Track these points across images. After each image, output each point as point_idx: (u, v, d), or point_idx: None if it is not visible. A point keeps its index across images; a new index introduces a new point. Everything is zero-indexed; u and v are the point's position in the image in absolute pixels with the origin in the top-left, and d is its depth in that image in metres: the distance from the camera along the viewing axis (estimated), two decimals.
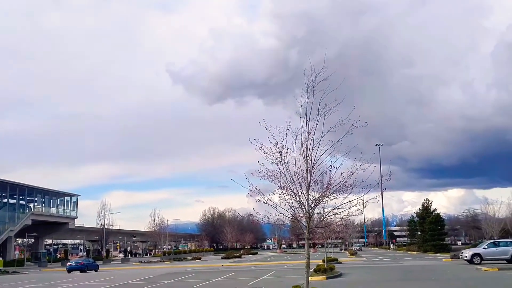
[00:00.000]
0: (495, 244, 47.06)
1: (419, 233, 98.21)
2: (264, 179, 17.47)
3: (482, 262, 44.85)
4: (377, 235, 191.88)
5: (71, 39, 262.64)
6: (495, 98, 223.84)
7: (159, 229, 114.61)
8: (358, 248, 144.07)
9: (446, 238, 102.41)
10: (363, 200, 18.11)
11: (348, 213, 18.31)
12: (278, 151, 17.24)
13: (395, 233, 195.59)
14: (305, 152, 17.40)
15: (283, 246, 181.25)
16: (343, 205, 17.86)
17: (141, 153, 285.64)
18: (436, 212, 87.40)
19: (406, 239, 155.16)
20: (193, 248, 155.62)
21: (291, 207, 17.39)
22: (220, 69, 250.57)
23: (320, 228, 27.94)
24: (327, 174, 17.71)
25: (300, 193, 17.25)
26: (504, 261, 44.30)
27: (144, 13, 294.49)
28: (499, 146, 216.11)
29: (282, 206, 17.36)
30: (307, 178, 17.22)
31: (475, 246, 65.51)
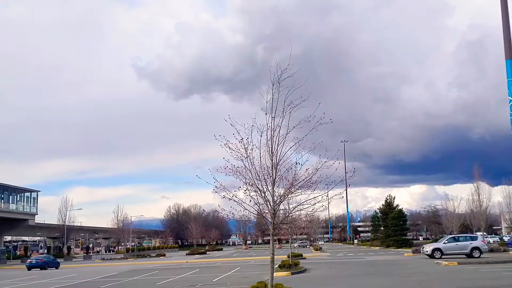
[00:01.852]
0: (455, 239, 48.58)
1: (382, 228, 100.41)
2: (229, 175, 17.49)
3: (443, 256, 46.24)
4: (342, 230, 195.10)
5: (34, 31, 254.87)
6: (456, 96, 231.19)
7: (122, 225, 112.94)
8: (322, 244, 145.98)
9: (408, 233, 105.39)
10: (327, 196, 18.37)
11: (313, 209, 18.49)
12: (243, 147, 17.24)
13: (359, 229, 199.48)
14: (270, 149, 17.44)
15: (249, 242, 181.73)
16: (308, 201, 18.01)
17: (105, 149, 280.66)
18: (398, 208, 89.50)
19: (369, 234, 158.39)
20: (158, 244, 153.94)
21: (256, 203, 17.47)
22: (187, 64, 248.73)
23: (285, 224, 28.14)
24: (292, 170, 17.86)
25: (265, 189, 17.33)
26: (464, 256, 45.82)
27: (109, 6, 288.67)
28: (459, 143, 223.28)
29: (248, 202, 17.44)
30: (273, 175, 17.31)
31: (435, 241, 67.55)
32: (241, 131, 17.29)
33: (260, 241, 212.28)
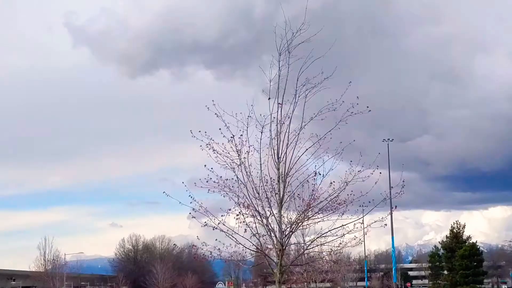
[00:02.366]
0: None
1: (445, 272, 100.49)
2: (214, 192, 17.49)
3: None
4: (384, 276, 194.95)
5: None
6: None
7: (52, 268, 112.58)
8: None
9: (485, 280, 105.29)
10: (363, 223, 18.35)
11: (341, 243, 18.49)
12: (235, 149, 17.30)
13: (411, 273, 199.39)
14: (276, 152, 17.50)
15: None
16: (333, 232, 18.04)
17: (23, 151, 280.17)
18: (470, 242, 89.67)
19: (426, 281, 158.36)
20: None
21: (254, 234, 17.46)
22: (147, 23, 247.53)
23: (299, 266, 28.11)
24: (309, 184, 17.87)
25: (268, 213, 17.37)
26: None
27: None
28: None
29: (242, 233, 17.42)
30: (279, 191, 17.35)
31: None
32: (231, 124, 17.37)
33: None
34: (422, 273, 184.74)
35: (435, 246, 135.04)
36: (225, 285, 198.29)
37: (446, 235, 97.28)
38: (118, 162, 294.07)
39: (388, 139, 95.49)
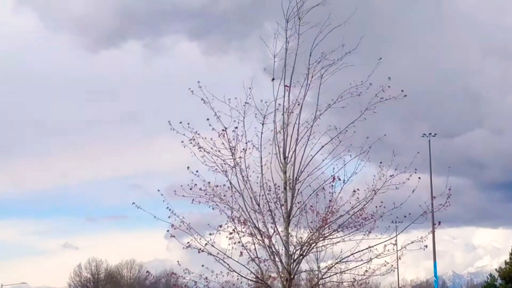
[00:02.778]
0: None
1: None
2: (199, 202, 17.66)
3: None
4: None
5: None
6: None
7: None
8: None
9: None
10: (396, 245, 18.48)
11: (367, 270, 18.67)
12: (227, 146, 17.47)
13: None
14: (282, 150, 17.69)
15: None
16: (356, 256, 18.23)
17: None
18: None
19: None
20: None
21: (253, 259, 17.60)
22: None
23: None
24: (325, 193, 18.08)
25: (271, 231, 17.51)
26: None
27: None
28: None
29: (236, 256, 17.52)
30: (286, 201, 17.53)
31: None
32: (223, 113, 17.55)
33: None
34: None
35: (490, 274, 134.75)
36: None
37: (505, 260, 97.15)
38: (73, 164, 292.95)
39: (430, 133, 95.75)
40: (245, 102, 17.41)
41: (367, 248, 18.05)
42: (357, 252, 18.18)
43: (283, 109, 17.64)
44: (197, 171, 17.48)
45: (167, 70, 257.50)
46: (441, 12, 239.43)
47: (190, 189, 17.48)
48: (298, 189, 17.69)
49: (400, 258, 19.15)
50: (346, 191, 18.00)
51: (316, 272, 20.71)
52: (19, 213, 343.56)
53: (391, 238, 18.20)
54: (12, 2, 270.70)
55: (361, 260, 18.26)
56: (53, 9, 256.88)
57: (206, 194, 17.52)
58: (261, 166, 17.63)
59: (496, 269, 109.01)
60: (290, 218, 17.61)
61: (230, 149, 17.44)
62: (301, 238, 17.90)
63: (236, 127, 17.44)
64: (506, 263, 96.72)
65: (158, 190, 17.73)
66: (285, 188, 17.55)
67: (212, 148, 17.48)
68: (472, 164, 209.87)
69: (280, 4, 17.73)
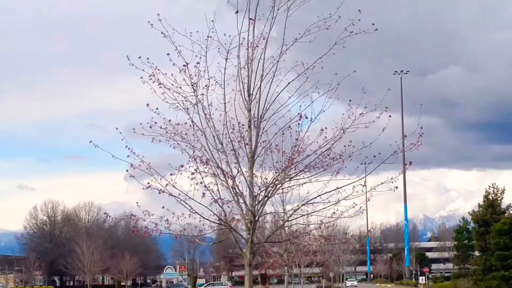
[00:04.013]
0: None
1: (476, 253, 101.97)
2: (160, 141, 17.61)
3: None
4: (393, 258, 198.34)
5: None
6: None
7: None
8: (354, 284, 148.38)
9: None
10: (365, 186, 18.49)
11: (335, 212, 18.79)
12: (189, 82, 17.37)
13: (430, 255, 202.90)
14: (246, 87, 17.62)
15: (201, 282, 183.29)
16: (323, 197, 18.28)
17: None
18: None
19: (450, 265, 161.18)
20: (12, 286, 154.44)
21: (216, 200, 17.63)
22: None
23: (277, 244, 28.31)
24: (291, 132, 18.12)
25: (235, 172, 17.55)
26: None
27: None
28: None
29: (198, 198, 17.54)
30: (250, 140, 17.54)
31: None
32: (184, 48, 17.36)
33: (224, 278, 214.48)
34: (445, 254, 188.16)
35: (463, 218, 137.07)
36: (175, 271, 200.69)
37: (479, 203, 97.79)
38: (26, 102, 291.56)
39: (402, 71, 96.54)
40: (208, 36, 17.24)
41: (334, 189, 18.11)
42: (325, 193, 18.26)
43: (248, 44, 17.51)
44: (157, 109, 17.40)
45: (125, 5, 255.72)
46: None
47: (150, 127, 17.42)
48: (263, 128, 17.67)
49: (369, 200, 19.15)
50: (313, 130, 18.04)
51: (282, 215, 20.70)
52: None
53: (360, 179, 18.26)
54: None
55: (329, 201, 18.34)
56: None
57: (166, 133, 17.46)
58: (225, 103, 17.57)
59: (469, 212, 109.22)
60: (255, 158, 17.62)
61: (192, 85, 17.31)
62: (266, 179, 17.92)
63: (198, 63, 17.30)
64: (479, 206, 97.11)
65: (117, 128, 17.66)
66: (249, 127, 17.51)
67: (172, 85, 17.35)
68: (446, 103, 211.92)
69: None
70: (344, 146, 17.78)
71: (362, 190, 18.34)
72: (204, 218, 18.02)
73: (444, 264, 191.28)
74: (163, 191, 17.38)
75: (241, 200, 17.60)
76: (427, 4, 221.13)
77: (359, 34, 17.26)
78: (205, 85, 17.41)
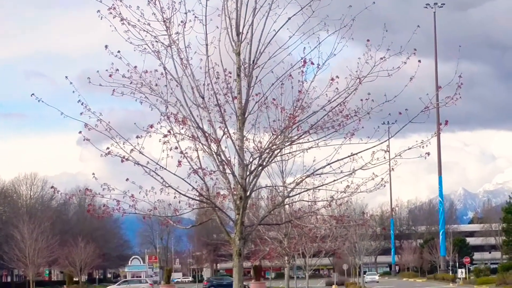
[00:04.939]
0: None
1: None
2: (123, 94, 17.62)
3: None
4: (425, 246, 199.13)
5: None
6: None
7: None
8: (374, 279, 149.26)
9: None
10: (388, 151, 18.58)
11: (349, 186, 18.95)
12: (160, 18, 17.40)
13: (471, 241, 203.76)
14: (234, 23, 17.67)
15: (177, 279, 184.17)
16: (334, 166, 18.39)
17: None
18: None
19: (498, 254, 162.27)
20: None
21: (195, 171, 17.73)
22: None
23: (275, 227, 28.47)
24: (292, 81, 18.14)
25: (220, 133, 17.66)
26: None
27: None
28: None
29: (173, 168, 17.71)
30: (240, 93, 17.60)
31: None
32: None
33: (207, 271, 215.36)
34: (491, 240, 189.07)
35: None
36: (143, 263, 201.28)
37: None
38: None
39: (435, 3, 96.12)
40: None
41: (349, 156, 18.20)
42: (336, 161, 18.32)
43: None
44: (118, 52, 17.29)
45: None
46: None
47: (110, 76, 17.33)
48: (257, 77, 17.69)
49: (393, 170, 19.24)
50: (321, 80, 18.06)
51: (281, 189, 20.78)
52: None
53: (382, 143, 18.33)
54: None
55: (341, 172, 18.43)
56: None
57: (131, 83, 17.44)
58: (206, 45, 17.57)
59: None
60: (246, 115, 17.65)
61: (164, 21, 17.30)
62: (260, 142, 17.98)
63: None
64: None
65: (67, 77, 17.60)
66: (238, 75, 17.51)
67: (139, 21, 17.31)
68: (493, 45, 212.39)
69: None
70: (361, 100, 17.80)
71: (384, 157, 18.43)
72: (180, 193, 18.06)
73: (490, 252, 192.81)
74: (127, 159, 17.43)
75: (228, 170, 17.67)
76: None
77: None
78: (181, 21, 17.38)
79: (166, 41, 17.33)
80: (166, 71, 17.35)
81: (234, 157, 17.67)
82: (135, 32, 17.33)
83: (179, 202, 18.49)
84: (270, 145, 17.87)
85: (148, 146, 17.55)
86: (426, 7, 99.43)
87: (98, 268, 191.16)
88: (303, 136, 18.07)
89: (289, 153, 19.12)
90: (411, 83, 17.92)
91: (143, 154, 17.41)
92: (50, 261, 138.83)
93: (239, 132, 17.55)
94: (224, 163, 17.57)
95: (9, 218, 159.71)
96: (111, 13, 17.18)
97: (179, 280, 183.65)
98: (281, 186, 21.02)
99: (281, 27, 17.71)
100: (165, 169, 17.49)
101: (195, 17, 17.42)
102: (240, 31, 17.53)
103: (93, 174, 18.37)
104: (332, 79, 17.80)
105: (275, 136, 17.87)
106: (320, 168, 18.51)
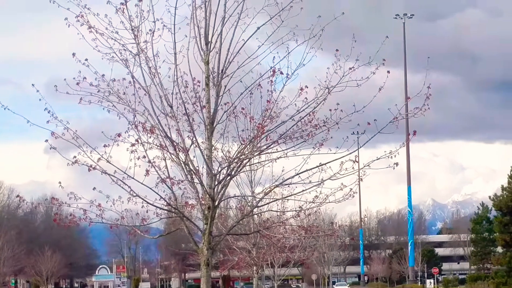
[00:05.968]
0: None
1: (498, 250, 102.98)
2: (90, 102, 17.61)
3: None
4: (394, 256, 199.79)
5: None
6: None
7: None
8: None
9: None
10: (357, 162, 18.60)
11: (317, 196, 18.90)
12: (128, 26, 17.43)
13: (439, 251, 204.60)
14: (203, 32, 17.69)
15: (145, 286, 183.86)
16: (303, 176, 18.43)
17: None
18: None
19: (466, 265, 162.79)
20: None
21: (163, 180, 17.70)
22: None
23: (244, 237, 28.42)
24: (262, 91, 18.18)
25: (188, 142, 17.70)
26: None
27: None
28: None
29: (140, 177, 17.68)
30: (209, 102, 17.63)
31: None
32: None
33: (175, 281, 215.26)
34: (460, 251, 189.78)
35: (482, 204, 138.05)
36: (111, 272, 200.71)
37: (502, 186, 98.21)
38: None
39: (405, 14, 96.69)
40: None
41: (317, 166, 18.19)
42: (305, 171, 18.34)
43: None
44: (86, 60, 17.26)
45: None
46: None
47: (77, 84, 17.30)
48: (225, 86, 17.72)
49: (362, 180, 19.30)
50: (290, 89, 18.05)
51: (250, 199, 20.77)
52: None
53: (351, 153, 18.35)
54: None
55: (310, 182, 18.42)
56: None
57: (99, 91, 17.42)
58: (175, 54, 17.57)
59: (490, 197, 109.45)
60: (214, 125, 17.67)
61: (132, 30, 17.30)
62: (229, 152, 17.99)
63: (140, 0, 17.20)
64: (503, 189, 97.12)
65: (33, 85, 17.54)
66: (207, 85, 17.54)
67: (107, 29, 17.32)
68: (462, 56, 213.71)
69: None
70: (330, 110, 17.81)
71: (353, 168, 18.44)
72: (148, 203, 18.07)
73: (458, 263, 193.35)
74: (94, 168, 17.39)
75: (196, 180, 17.65)
76: None
77: None
78: (150, 30, 17.40)
79: (134, 50, 17.35)
80: (134, 79, 17.35)
81: (203, 167, 17.68)
82: (103, 40, 17.33)
83: (147, 212, 18.52)
84: (239, 154, 17.89)
85: (116, 155, 17.52)
86: (395, 18, 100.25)
87: (65, 278, 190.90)
88: (272, 146, 18.07)
89: (258, 162, 19.22)
90: (380, 94, 17.97)
91: (110, 163, 17.39)
92: (16, 270, 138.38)
93: (207, 141, 17.58)
94: (192, 172, 17.55)
95: None
96: (78, 20, 17.17)
97: None
98: (249, 196, 21.03)
99: (250, 37, 17.76)
100: (132, 178, 17.45)
101: (164, 25, 17.45)
102: (209, 40, 17.57)
103: (60, 183, 18.32)
104: (301, 89, 17.84)
105: (243, 145, 17.87)
106: (289, 178, 18.53)
